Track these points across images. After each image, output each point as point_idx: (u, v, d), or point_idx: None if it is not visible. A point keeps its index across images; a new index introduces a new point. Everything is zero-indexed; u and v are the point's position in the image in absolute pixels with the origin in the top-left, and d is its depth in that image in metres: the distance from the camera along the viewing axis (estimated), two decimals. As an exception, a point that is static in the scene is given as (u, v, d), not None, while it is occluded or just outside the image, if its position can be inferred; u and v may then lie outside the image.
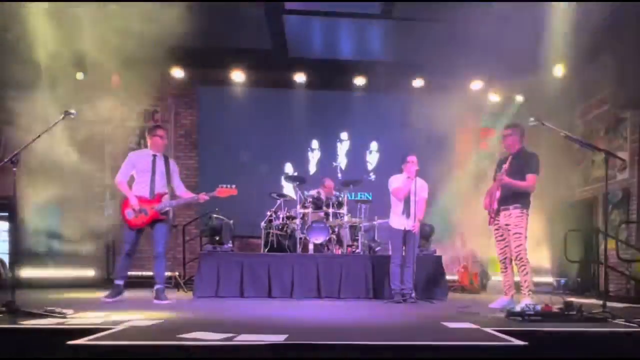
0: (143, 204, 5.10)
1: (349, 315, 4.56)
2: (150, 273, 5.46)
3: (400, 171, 5.70)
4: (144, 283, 6.35)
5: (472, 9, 6.16)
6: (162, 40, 6.19)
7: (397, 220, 5.66)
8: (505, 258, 5.07)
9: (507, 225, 4.93)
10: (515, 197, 4.86)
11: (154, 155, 5.23)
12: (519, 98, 8.92)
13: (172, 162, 5.42)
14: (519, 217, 4.85)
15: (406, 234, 5.58)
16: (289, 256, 6.41)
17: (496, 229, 5.08)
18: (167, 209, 5.18)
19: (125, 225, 5.12)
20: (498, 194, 4.96)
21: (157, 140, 5.24)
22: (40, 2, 6.36)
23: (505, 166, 4.85)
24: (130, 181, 5.24)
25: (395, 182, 5.68)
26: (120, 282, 5.17)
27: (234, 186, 5.38)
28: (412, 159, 5.58)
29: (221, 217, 6.95)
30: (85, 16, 6.74)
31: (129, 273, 5.36)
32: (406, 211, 5.57)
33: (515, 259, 4.90)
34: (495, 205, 4.97)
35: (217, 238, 6.68)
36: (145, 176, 5.14)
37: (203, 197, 5.29)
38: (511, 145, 5.01)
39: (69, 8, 6.62)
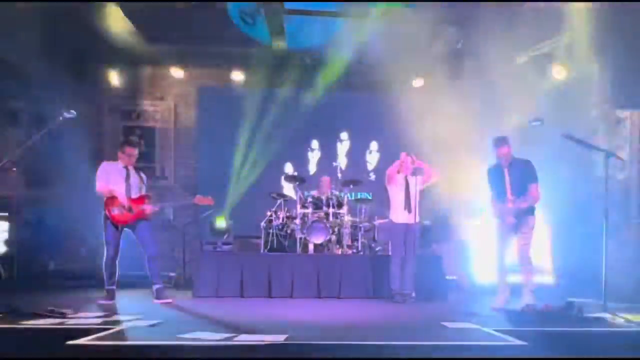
0: (130, 202, 5.23)
1: (349, 315, 4.56)
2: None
3: (398, 171, 5.72)
4: (144, 283, 6.34)
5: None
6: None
7: (398, 215, 5.66)
8: (511, 257, 5.08)
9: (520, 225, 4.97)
10: (527, 208, 4.94)
11: (126, 167, 5.33)
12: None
13: (142, 174, 5.55)
14: (530, 218, 4.94)
15: (407, 228, 5.59)
16: (289, 256, 6.40)
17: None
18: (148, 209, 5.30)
19: (109, 223, 5.15)
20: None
21: (123, 157, 5.33)
22: (33, 1, 6.29)
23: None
24: None
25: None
26: (112, 287, 5.20)
27: (209, 197, 5.67)
28: (402, 157, 5.65)
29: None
30: None
31: (131, 273, 5.37)
32: (407, 206, 5.58)
33: (519, 256, 4.92)
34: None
35: (226, 237, 6.78)
36: (119, 187, 5.22)
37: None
38: (507, 157, 5.04)
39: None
